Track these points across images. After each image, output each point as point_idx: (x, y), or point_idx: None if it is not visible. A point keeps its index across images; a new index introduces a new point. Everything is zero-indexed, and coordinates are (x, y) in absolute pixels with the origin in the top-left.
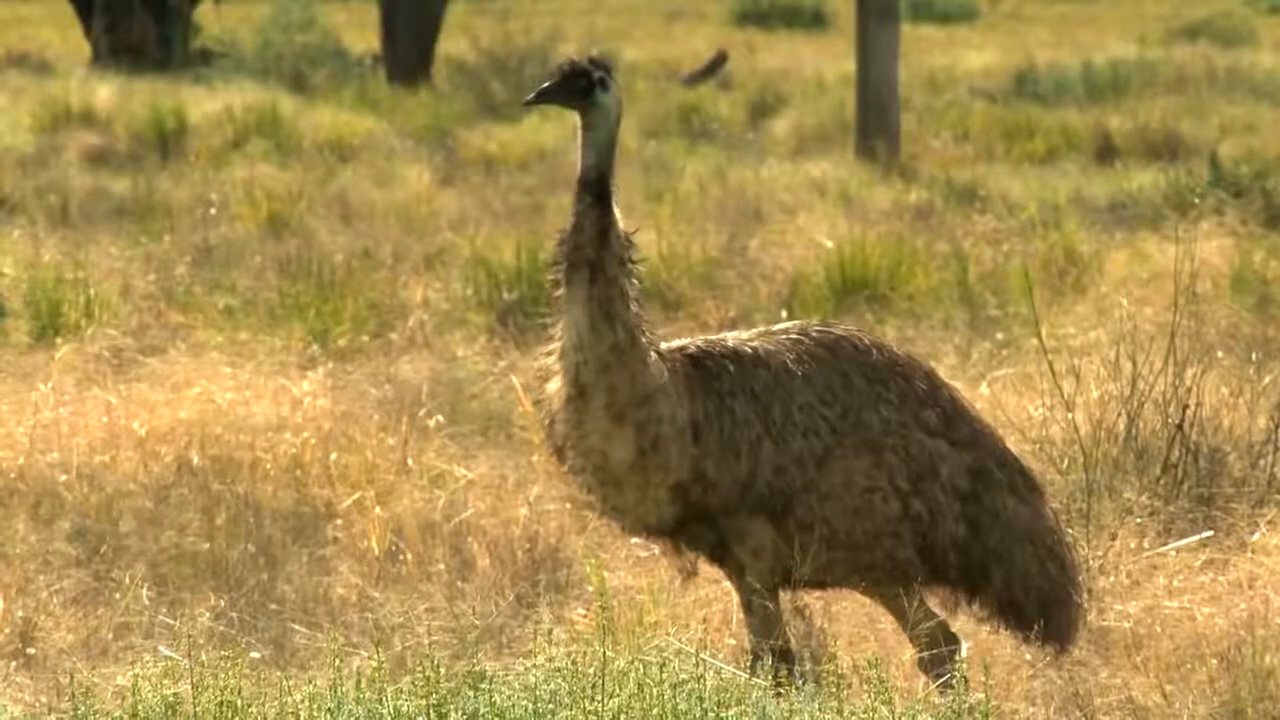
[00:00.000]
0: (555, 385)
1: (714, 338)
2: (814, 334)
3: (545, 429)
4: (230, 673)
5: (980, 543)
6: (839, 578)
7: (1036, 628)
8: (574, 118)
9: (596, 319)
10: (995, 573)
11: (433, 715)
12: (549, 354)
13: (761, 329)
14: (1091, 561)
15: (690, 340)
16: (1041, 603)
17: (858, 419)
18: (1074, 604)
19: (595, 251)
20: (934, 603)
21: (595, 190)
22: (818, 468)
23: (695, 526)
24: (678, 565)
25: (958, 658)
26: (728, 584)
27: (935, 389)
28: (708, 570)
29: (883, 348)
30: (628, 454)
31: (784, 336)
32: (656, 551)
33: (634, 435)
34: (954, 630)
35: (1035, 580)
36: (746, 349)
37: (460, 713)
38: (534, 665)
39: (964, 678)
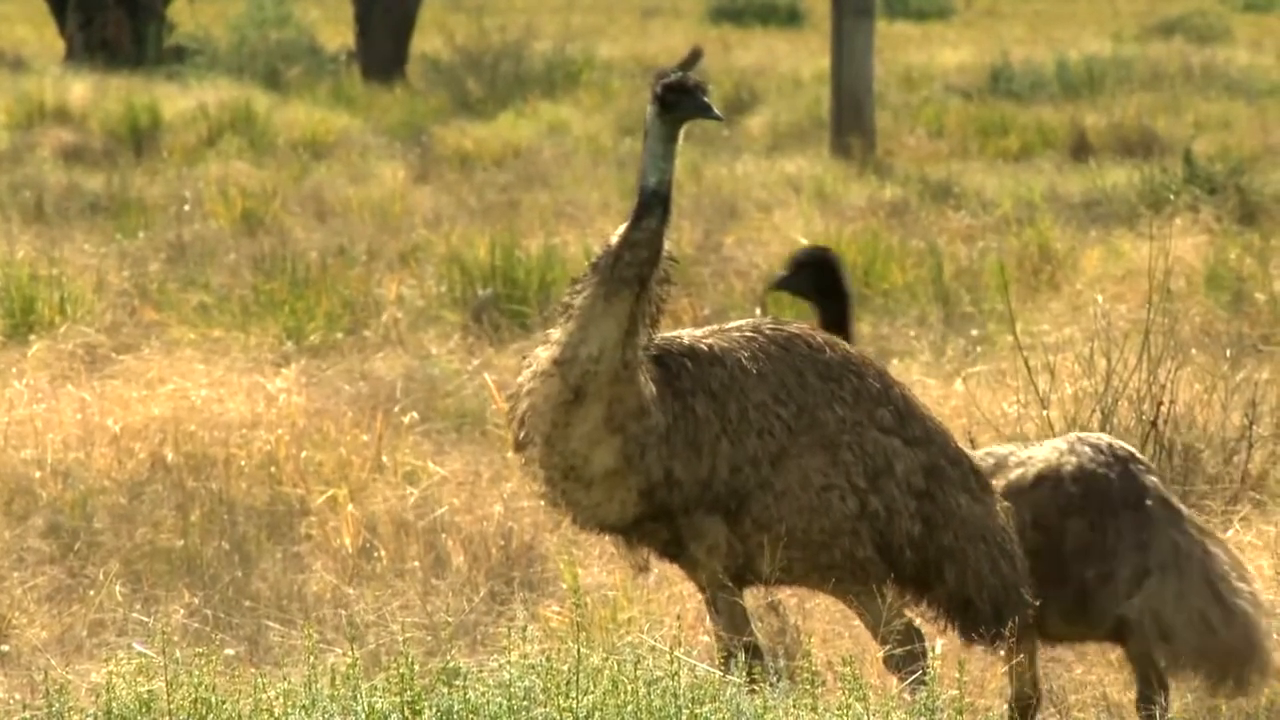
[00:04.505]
0: (543, 381)
1: (670, 335)
2: (767, 331)
3: (512, 417)
4: (205, 669)
5: (935, 540)
6: (799, 576)
7: (986, 627)
8: (551, 117)
9: (626, 336)
10: (949, 570)
11: (407, 712)
12: (547, 345)
13: (715, 326)
14: None
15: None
16: (994, 602)
17: (813, 417)
18: (1025, 604)
19: (649, 269)
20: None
21: (665, 206)
22: (772, 467)
23: (650, 524)
24: (630, 561)
25: (929, 654)
26: None
27: (887, 387)
28: (676, 568)
29: (835, 345)
30: (611, 461)
31: (737, 334)
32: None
33: (622, 444)
34: (925, 627)
35: (989, 579)
36: (702, 346)
37: (434, 709)
38: (508, 662)
39: (935, 674)
